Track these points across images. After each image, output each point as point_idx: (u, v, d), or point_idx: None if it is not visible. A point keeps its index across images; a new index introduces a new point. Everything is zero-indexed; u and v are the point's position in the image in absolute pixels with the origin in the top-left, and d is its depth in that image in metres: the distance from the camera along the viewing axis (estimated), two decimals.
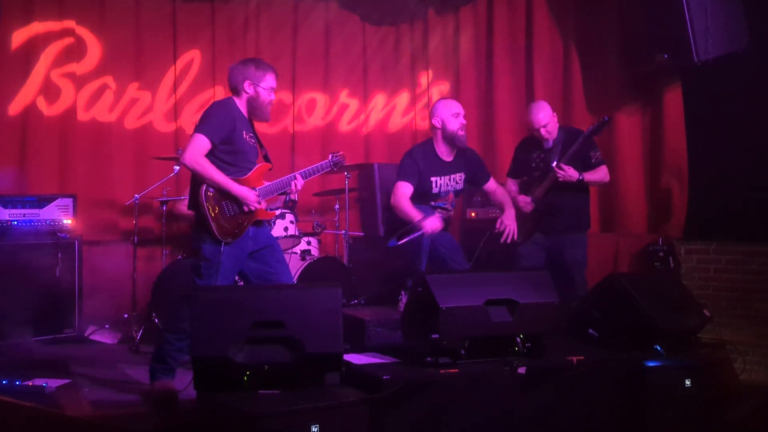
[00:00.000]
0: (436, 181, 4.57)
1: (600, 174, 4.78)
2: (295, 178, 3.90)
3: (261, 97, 3.83)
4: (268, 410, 2.88)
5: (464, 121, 4.59)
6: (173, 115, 6.30)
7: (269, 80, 3.85)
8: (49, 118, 5.89)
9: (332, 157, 4.03)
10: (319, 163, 4.02)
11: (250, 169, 3.84)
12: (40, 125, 5.85)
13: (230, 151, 3.75)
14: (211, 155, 3.70)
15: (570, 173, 4.61)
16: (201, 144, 3.66)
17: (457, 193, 4.72)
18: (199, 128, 3.69)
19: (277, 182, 3.91)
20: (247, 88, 3.82)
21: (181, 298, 3.72)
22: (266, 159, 3.99)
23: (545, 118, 4.77)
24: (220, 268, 3.67)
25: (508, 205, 4.70)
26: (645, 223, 5.84)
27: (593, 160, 4.77)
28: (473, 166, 4.74)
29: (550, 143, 4.81)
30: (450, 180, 4.61)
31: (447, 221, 4.63)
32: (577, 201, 4.81)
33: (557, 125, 4.86)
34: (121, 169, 6.06)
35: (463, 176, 4.67)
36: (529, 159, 4.92)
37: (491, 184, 4.81)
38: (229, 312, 3.12)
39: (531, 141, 4.98)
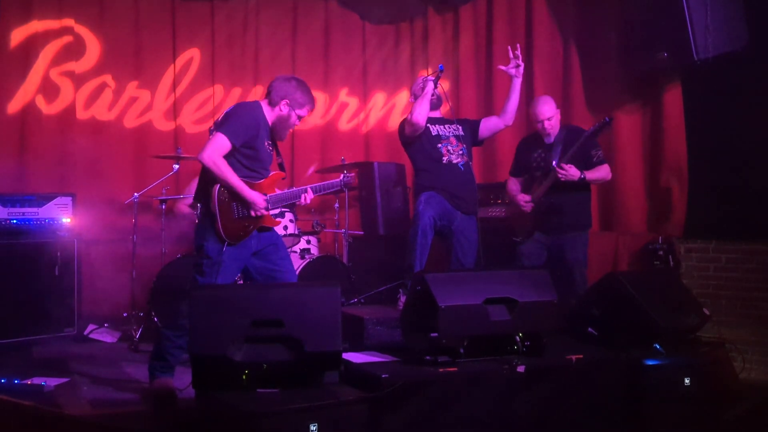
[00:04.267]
0: (432, 127, 4.79)
1: (602, 172, 4.77)
2: (306, 191, 3.95)
3: (290, 121, 3.87)
4: (267, 409, 2.88)
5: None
6: (172, 114, 6.30)
7: (305, 111, 3.90)
8: (48, 117, 5.89)
9: (344, 177, 4.23)
10: (330, 181, 4.16)
11: (265, 176, 3.86)
12: (39, 124, 5.85)
13: (249, 156, 3.78)
14: (230, 156, 3.71)
15: (571, 172, 4.60)
16: (221, 144, 3.66)
17: (459, 138, 4.81)
18: (222, 128, 3.70)
19: (288, 192, 3.97)
20: (283, 106, 3.84)
21: (181, 295, 3.71)
22: (281, 168, 4.02)
23: (549, 111, 4.78)
24: (222, 267, 3.68)
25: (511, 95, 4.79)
26: (645, 222, 5.83)
27: (594, 159, 4.76)
28: (464, 121, 5.03)
29: (551, 138, 4.81)
30: (445, 127, 4.84)
31: (467, 166, 4.78)
32: (578, 200, 4.80)
33: (559, 121, 4.86)
34: (120, 168, 6.05)
35: (460, 127, 4.88)
36: (531, 157, 4.92)
37: (486, 120, 4.99)
38: (228, 310, 3.12)
39: (532, 139, 4.98)
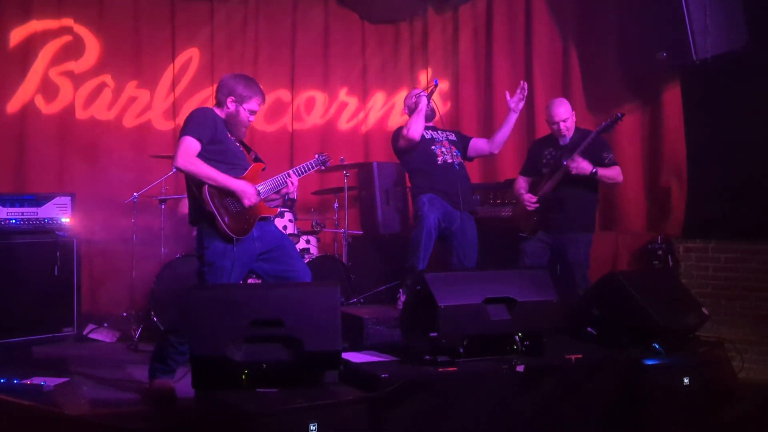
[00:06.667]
0: (425, 132, 4.93)
1: (614, 172, 4.77)
2: (289, 176, 3.91)
3: (240, 117, 3.81)
4: (267, 408, 2.88)
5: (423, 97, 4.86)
6: (172, 114, 6.30)
7: (253, 103, 3.83)
8: (47, 117, 5.89)
9: (318, 156, 4.17)
10: (308, 162, 4.09)
11: (245, 169, 3.83)
12: (39, 123, 5.85)
13: (220, 151, 3.74)
14: (201, 157, 3.67)
15: (583, 165, 4.60)
16: (190, 145, 3.64)
17: (452, 142, 4.96)
18: (185, 131, 3.68)
19: (272, 180, 3.90)
20: (230, 104, 3.80)
21: (186, 302, 3.68)
22: (257, 160, 3.99)
23: (565, 112, 4.80)
24: (224, 272, 3.64)
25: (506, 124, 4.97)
26: (644, 222, 5.84)
27: (606, 161, 4.76)
28: (456, 132, 5.23)
29: (567, 140, 4.81)
30: (438, 132, 5.00)
31: (461, 166, 4.89)
32: (584, 200, 4.80)
33: (575, 124, 4.87)
34: (119, 168, 6.04)
35: (452, 134, 5.08)
36: (541, 156, 4.92)
37: (476, 140, 5.14)
38: (228, 310, 3.11)
39: (545, 140, 5.01)
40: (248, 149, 3.97)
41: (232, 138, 3.85)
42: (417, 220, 4.74)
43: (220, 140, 3.75)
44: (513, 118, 4.92)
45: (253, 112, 3.86)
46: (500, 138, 4.98)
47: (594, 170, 4.63)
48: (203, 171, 3.63)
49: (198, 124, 3.70)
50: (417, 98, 4.85)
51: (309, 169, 4.06)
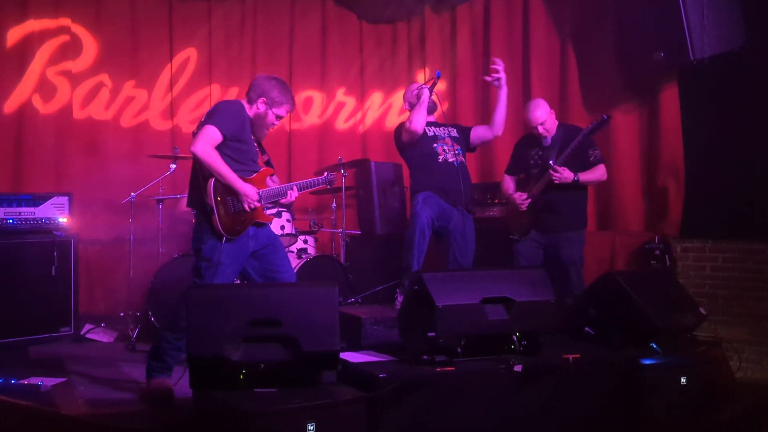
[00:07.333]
0: (428, 129, 4.87)
1: (597, 173, 4.78)
2: (291, 188, 3.95)
3: (267, 119, 3.87)
4: (265, 408, 2.88)
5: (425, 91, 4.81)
6: (169, 114, 6.30)
7: (283, 110, 3.90)
8: (44, 116, 5.89)
9: (327, 175, 4.21)
10: (314, 178, 4.15)
11: (255, 171, 3.87)
12: (36, 123, 5.84)
13: (238, 149, 3.78)
14: (219, 150, 3.71)
15: (565, 175, 4.61)
16: (212, 135, 3.67)
17: (454, 139, 4.89)
18: (211, 121, 3.71)
19: (276, 188, 3.95)
20: (260, 105, 3.85)
21: (181, 298, 3.71)
22: (268, 164, 4.02)
23: (542, 116, 4.78)
24: (220, 269, 3.68)
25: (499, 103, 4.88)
26: (641, 221, 5.85)
27: (591, 159, 4.78)
28: (457, 125, 5.16)
29: (549, 141, 4.83)
30: (441, 129, 4.94)
31: (461, 165, 4.82)
32: (574, 199, 4.81)
33: (555, 123, 4.88)
34: (117, 168, 6.03)
35: (454, 129, 5.00)
36: (528, 156, 4.93)
37: (476, 128, 5.07)
38: (225, 310, 3.11)
39: (530, 138, 5.00)
40: (263, 151, 4.01)
41: (252, 138, 3.88)
42: (411, 219, 4.74)
43: (244, 140, 3.79)
44: (502, 94, 4.83)
45: (279, 117, 3.91)
46: (498, 119, 4.88)
47: (576, 178, 4.64)
48: (216, 164, 3.66)
49: (227, 117, 3.74)
50: (418, 91, 4.84)
51: (313, 186, 4.11)
